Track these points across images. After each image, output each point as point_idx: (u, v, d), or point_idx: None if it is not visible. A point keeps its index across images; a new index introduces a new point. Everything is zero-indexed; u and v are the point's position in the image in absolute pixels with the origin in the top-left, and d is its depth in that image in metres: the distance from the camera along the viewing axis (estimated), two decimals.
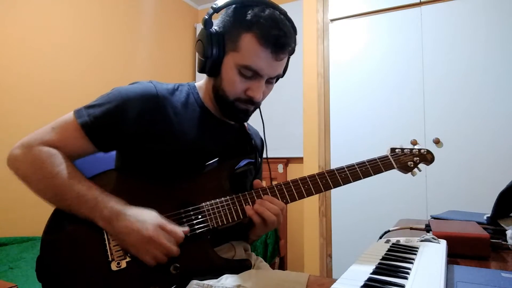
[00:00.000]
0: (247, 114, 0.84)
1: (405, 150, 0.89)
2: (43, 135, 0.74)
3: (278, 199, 0.79)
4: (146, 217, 0.69)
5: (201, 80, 0.90)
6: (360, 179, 0.83)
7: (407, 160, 0.88)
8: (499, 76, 1.83)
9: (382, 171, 0.85)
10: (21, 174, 0.72)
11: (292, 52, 0.81)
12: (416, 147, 0.90)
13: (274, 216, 0.76)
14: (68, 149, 0.74)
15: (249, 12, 0.75)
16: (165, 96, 0.80)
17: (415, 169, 0.88)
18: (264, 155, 0.99)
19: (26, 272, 1.42)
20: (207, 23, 0.77)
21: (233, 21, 0.77)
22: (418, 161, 0.88)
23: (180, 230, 0.71)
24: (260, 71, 0.77)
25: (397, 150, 0.89)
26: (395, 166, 0.86)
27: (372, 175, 0.84)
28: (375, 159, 0.85)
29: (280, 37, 0.75)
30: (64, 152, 0.74)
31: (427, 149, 0.89)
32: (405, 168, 0.87)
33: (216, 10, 0.77)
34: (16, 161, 0.72)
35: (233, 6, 0.78)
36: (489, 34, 1.86)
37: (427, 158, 0.89)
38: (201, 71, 0.82)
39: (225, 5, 0.77)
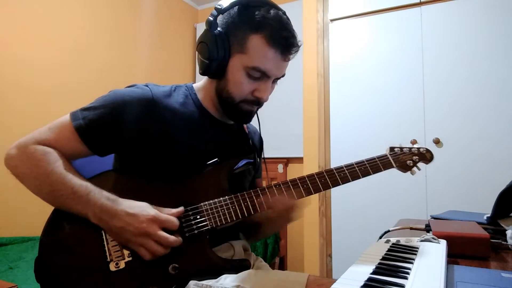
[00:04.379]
0: (251, 115, 0.85)
1: (404, 149, 0.88)
2: (39, 135, 0.74)
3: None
4: (138, 210, 0.69)
5: (200, 81, 0.90)
6: (359, 178, 0.82)
7: (406, 159, 0.87)
8: (499, 75, 1.82)
9: (381, 170, 0.84)
10: (17, 172, 0.72)
11: (297, 52, 0.81)
12: (415, 146, 0.90)
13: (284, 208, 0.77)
14: (64, 150, 0.74)
15: (256, 13, 0.75)
16: (160, 99, 0.80)
17: (414, 168, 0.88)
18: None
19: (26, 272, 1.42)
20: (212, 24, 0.77)
21: (238, 22, 0.77)
22: (417, 160, 0.87)
23: (175, 219, 0.70)
24: (269, 72, 0.77)
25: (396, 149, 0.88)
26: (394, 165, 0.86)
27: (371, 174, 0.83)
28: (374, 158, 0.85)
29: (289, 38, 0.76)
30: (60, 151, 0.74)
31: (426, 148, 0.89)
32: (404, 167, 0.87)
33: (221, 11, 0.77)
34: (12, 160, 0.73)
35: (237, 7, 0.78)
36: (489, 34, 1.86)
37: (426, 157, 0.88)
38: (204, 73, 0.81)
39: (230, 6, 0.77)
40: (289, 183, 0.80)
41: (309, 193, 0.80)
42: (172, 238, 0.69)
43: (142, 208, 0.70)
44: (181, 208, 0.73)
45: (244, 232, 0.95)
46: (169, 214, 0.71)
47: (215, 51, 0.76)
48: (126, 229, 0.68)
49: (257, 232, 0.94)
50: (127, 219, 0.68)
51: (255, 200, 0.78)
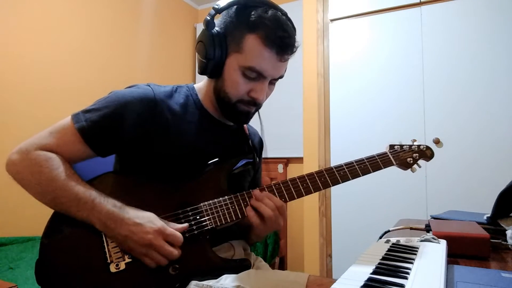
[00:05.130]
0: (249, 116, 0.84)
1: (404, 147, 0.88)
2: (41, 139, 0.73)
3: (276, 197, 0.78)
4: (144, 220, 0.69)
5: (201, 82, 0.90)
6: (359, 176, 0.82)
7: (406, 156, 0.87)
8: (499, 75, 1.83)
9: (381, 168, 0.84)
10: (19, 178, 0.72)
11: (294, 52, 0.81)
12: (415, 143, 0.89)
13: (271, 211, 0.74)
14: (67, 154, 0.74)
15: (253, 13, 0.75)
16: (162, 99, 0.80)
17: (415, 166, 0.87)
18: (263, 156, 0.99)
19: (26, 272, 1.42)
20: (209, 24, 0.77)
21: (235, 22, 0.77)
22: (417, 157, 0.87)
23: (179, 234, 0.70)
24: (264, 73, 0.77)
25: (396, 147, 0.88)
26: (394, 162, 0.85)
27: (371, 172, 0.83)
28: (374, 156, 0.85)
29: (285, 38, 0.75)
30: (62, 156, 0.73)
31: (426, 145, 0.89)
32: (405, 165, 0.86)
33: (219, 11, 0.77)
34: (14, 166, 0.72)
35: (235, 6, 0.77)
36: (489, 34, 1.86)
37: (426, 154, 0.88)
38: (202, 72, 0.81)
39: (228, 6, 0.77)
40: (289, 183, 0.80)
41: (308, 192, 0.80)
42: (176, 253, 0.69)
43: (149, 219, 0.69)
44: (186, 225, 0.73)
45: (241, 234, 0.94)
46: (175, 229, 0.70)
47: (212, 51, 0.76)
48: (131, 238, 0.67)
49: (250, 234, 0.93)
50: (133, 228, 0.68)
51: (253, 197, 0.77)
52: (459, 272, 0.50)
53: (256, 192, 0.77)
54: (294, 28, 0.80)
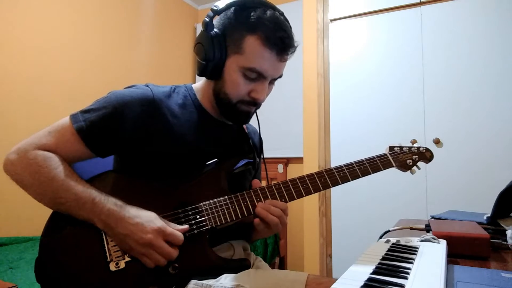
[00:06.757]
0: (249, 116, 0.85)
1: (404, 148, 0.88)
2: (39, 139, 0.73)
3: (277, 199, 0.78)
4: (145, 220, 0.69)
5: (199, 82, 0.90)
6: (359, 177, 0.83)
7: (406, 158, 0.87)
8: (498, 75, 1.82)
9: (381, 170, 0.84)
10: (18, 178, 0.71)
11: (293, 52, 0.81)
12: (415, 145, 0.90)
13: (277, 218, 0.76)
14: (65, 153, 0.74)
15: (252, 14, 0.75)
16: (161, 99, 0.80)
17: (414, 167, 0.88)
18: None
19: (26, 272, 1.42)
20: (208, 25, 0.77)
21: (235, 23, 0.77)
22: (417, 159, 0.87)
23: (180, 234, 0.70)
24: (265, 73, 0.77)
25: (395, 149, 0.88)
26: (393, 164, 0.86)
27: (371, 174, 0.83)
28: (374, 158, 0.85)
29: (284, 38, 0.76)
30: (61, 156, 0.73)
31: (425, 147, 0.89)
32: (404, 166, 0.87)
33: (217, 12, 0.77)
34: (12, 166, 0.71)
35: (233, 8, 0.78)
36: (489, 34, 1.86)
37: (426, 156, 0.88)
38: (201, 74, 0.81)
39: (226, 7, 0.77)
40: (289, 183, 0.80)
41: (308, 192, 0.80)
42: (176, 254, 0.69)
43: (149, 218, 0.69)
44: (186, 226, 0.73)
45: (241, 233, 0.94)
46: (175, 229, 0.70)
47: (211, 52, 0.76)
48: (130, 237, 0.67)
49: (252, 234, 0.94)
50: (133, 227, 0.68)
51: (254, 201, 0.78)
52: (459, 272, 0.50)
53: (261, 204, 0.77)
54: (291, 28, 0.81)
